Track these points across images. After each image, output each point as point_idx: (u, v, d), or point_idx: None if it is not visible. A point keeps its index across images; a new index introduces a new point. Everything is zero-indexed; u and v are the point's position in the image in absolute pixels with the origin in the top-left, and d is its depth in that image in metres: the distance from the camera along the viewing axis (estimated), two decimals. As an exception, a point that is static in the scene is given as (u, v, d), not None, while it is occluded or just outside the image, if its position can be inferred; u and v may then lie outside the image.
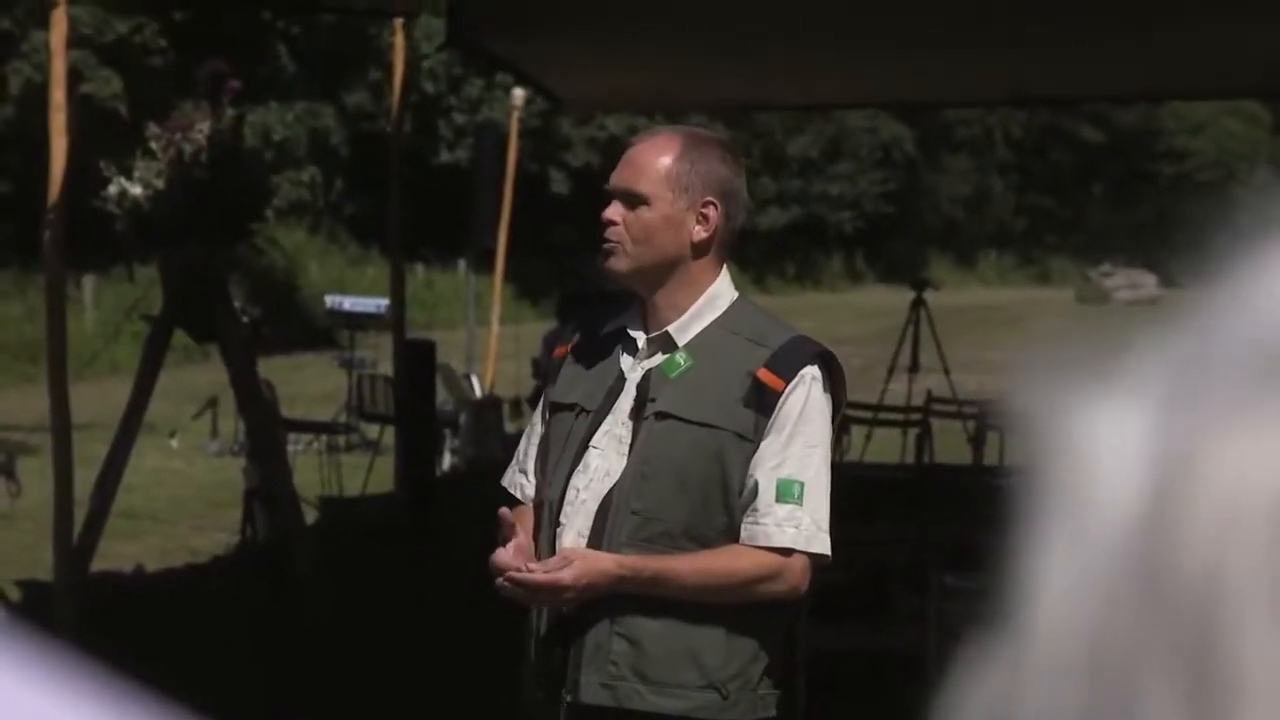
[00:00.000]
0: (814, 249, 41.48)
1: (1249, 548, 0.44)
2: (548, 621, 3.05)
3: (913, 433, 11.09)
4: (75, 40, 22.55)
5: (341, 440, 12.89)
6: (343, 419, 13.23)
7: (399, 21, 10.75)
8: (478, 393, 13.43)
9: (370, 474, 11.38)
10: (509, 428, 13.27)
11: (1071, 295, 44.45)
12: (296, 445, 12.28)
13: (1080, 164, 50.03)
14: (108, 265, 22.52)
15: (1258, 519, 0.44)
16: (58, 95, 7.59)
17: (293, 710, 6.52)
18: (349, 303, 14.85)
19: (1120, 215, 50.26)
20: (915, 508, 8.05)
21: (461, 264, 25.18)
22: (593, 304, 13.84)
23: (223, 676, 6.88)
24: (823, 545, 2.95)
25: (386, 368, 11.93)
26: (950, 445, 11.08)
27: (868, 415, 11.09)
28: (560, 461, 3.07)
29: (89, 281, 22.37)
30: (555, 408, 3.16)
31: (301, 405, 14.03)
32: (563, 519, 3.04)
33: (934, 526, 6.08)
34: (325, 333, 19.98)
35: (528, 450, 3.24)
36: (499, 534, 3.03)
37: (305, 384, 15.90)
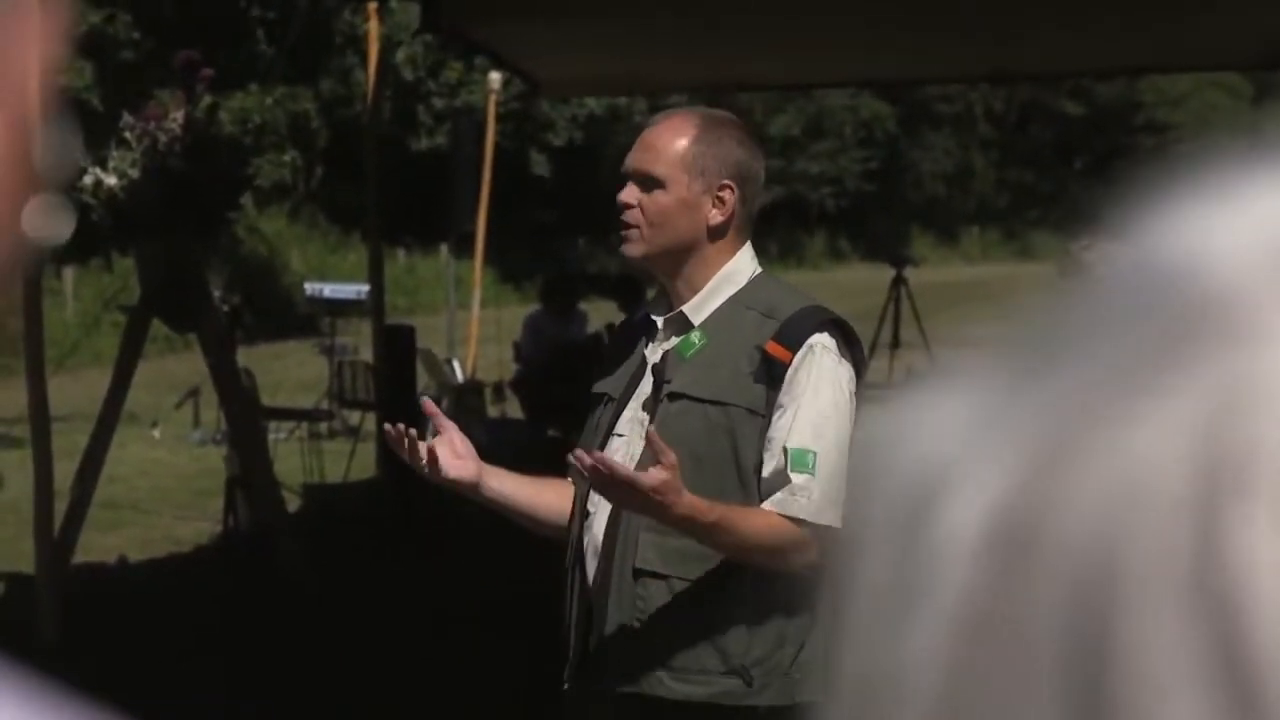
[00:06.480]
0: (796, 228, 41.49)
1: (1150, 544, 0.40)
2: (584, 608, 3.02)
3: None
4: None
5: (323, 427, 12.86)
6: (324, 406, 13.20)
7: (373, 6, 10.71)
8: (459, 377, 13.39)
9: (352, 460, 11.36)
10: (491, 412, 13.25)
11: (1054, 269, 44.48)
12: (278, 433, 12.26)
13: (1061, 138, 50.10)
14: (87, 256, 22.47)
15: (1161, 510, 0.40)
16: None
17: (280, 697, 6.50)
18: (329, 289, 14.79)
19: (1102, 189, 50.29)
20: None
21: (443, 248, 25.13)
22: (576, 287, 13.75)
23: (207, 665, 6.86)
24: (832, 519, 2.85)
25: (367, 354, 11.91)
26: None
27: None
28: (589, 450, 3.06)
29: (69, 272, 22.30)
30: (591, 398, 3.16)
31: (283, 393, 14.00)
32: (590, 507, 3.02)
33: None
34: (306, 319, 19.93)
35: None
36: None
37: (287, 371, 15.87)
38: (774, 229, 38.52)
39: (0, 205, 0.54)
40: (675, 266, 3.04)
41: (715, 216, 3.02)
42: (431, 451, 2.95)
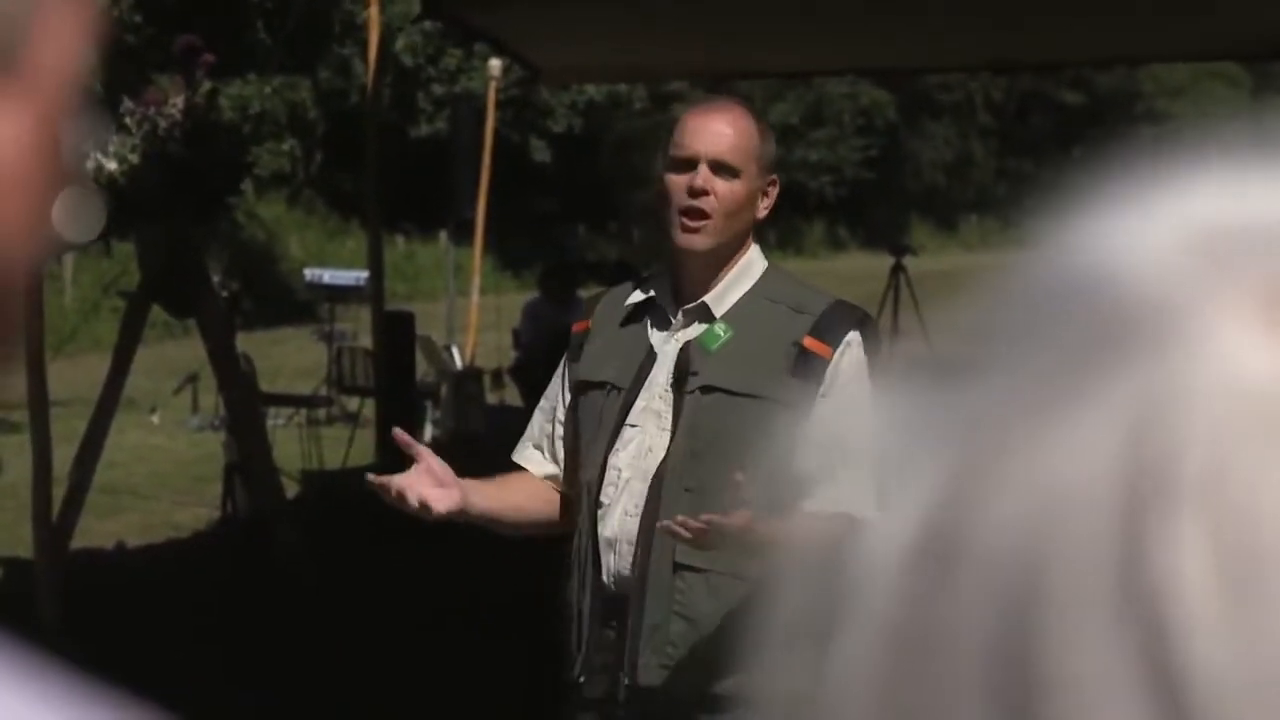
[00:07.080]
0: (795, 216, 41.41)
1: (1075, 553, 0.40)
2: (600, 603, 2.98)
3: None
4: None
5: (322, 413, 12.86)
6: (323, 392, 13.20)
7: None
8: (458, 364, 13.40)
9: (351, 447, 11.36)
10: (490, 399, 13.26)
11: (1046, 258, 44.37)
12: (277, 419, 12.27)
13: (1060, 128, 50.08)
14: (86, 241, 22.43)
15: (1091, 518, 0.40)
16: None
17: (277, 682, 6.50)
18: (328, 275, 14.79)
19: (1100, 179, 50.19)
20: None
21: (442, 235, 25.12)
22: (575, 275, 13.76)
23: (205, 652, 6.87)
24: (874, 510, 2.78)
25: (366, 340, 11.91)
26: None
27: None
28: (595, 441, 2.99)
29: (68, 258, 22.28)
30: (582, 386, 3.06)
31: (282, 379, 14.01)
32: (604, 499, 2.96)
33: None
34: (305, 306, 19.93)
35: (541, 425, 3.17)
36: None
37: (286, 357, 15.87)
38: (773, 217, 38.42)
39: (30, 200, 0.54)
40: (719, 259, 2.99)
41: (762, 210, 3.02)
42: (420, 497, 2.85)
